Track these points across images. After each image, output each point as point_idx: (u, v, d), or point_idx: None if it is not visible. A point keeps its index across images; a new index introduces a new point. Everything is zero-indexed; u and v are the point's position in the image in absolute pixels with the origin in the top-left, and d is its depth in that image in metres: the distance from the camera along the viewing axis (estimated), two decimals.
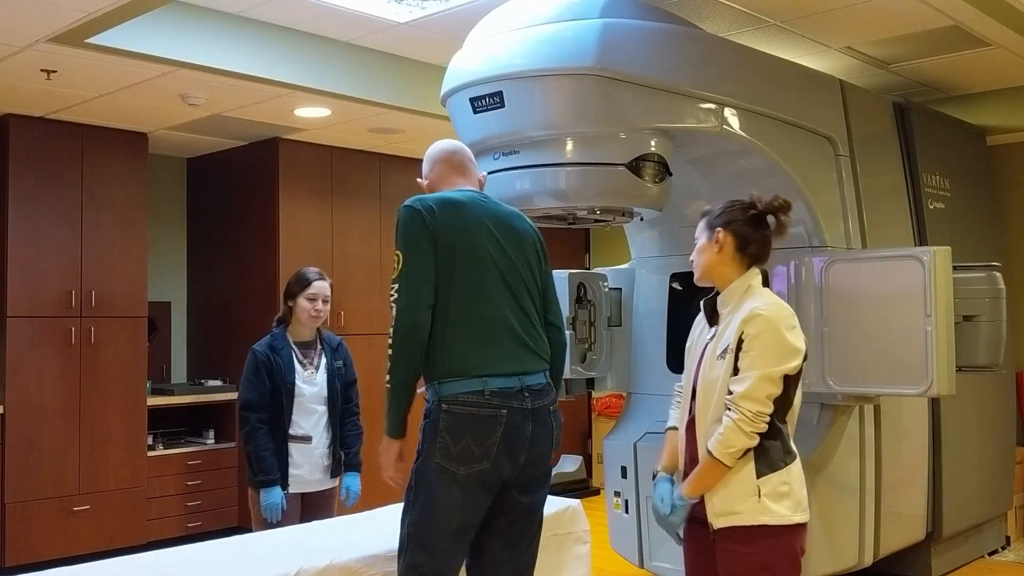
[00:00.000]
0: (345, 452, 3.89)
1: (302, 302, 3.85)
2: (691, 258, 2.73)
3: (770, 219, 2.61)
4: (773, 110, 3.95)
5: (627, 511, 4.32)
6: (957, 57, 4.90)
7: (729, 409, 2.46)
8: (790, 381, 2.51)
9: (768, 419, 2.46)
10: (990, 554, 5.24)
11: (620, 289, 4.63)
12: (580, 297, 4.44)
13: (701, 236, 2.68)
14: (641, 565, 4.35)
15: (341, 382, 3.89)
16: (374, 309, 6.46)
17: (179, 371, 6.56)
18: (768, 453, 2.50)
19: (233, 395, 6.14)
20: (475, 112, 3.54)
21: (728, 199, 2.71)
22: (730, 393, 2.48)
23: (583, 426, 7.90)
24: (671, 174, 3.62)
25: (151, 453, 5.73)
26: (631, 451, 4.31)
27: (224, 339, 6.39)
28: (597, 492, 6.63)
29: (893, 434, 4.28)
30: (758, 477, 2.48)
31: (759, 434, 2.46)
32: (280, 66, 4.66)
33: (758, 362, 2.45)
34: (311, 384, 3.80)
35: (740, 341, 2.49)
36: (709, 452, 2.49)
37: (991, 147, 5.73)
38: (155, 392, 5.92)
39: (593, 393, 7.30)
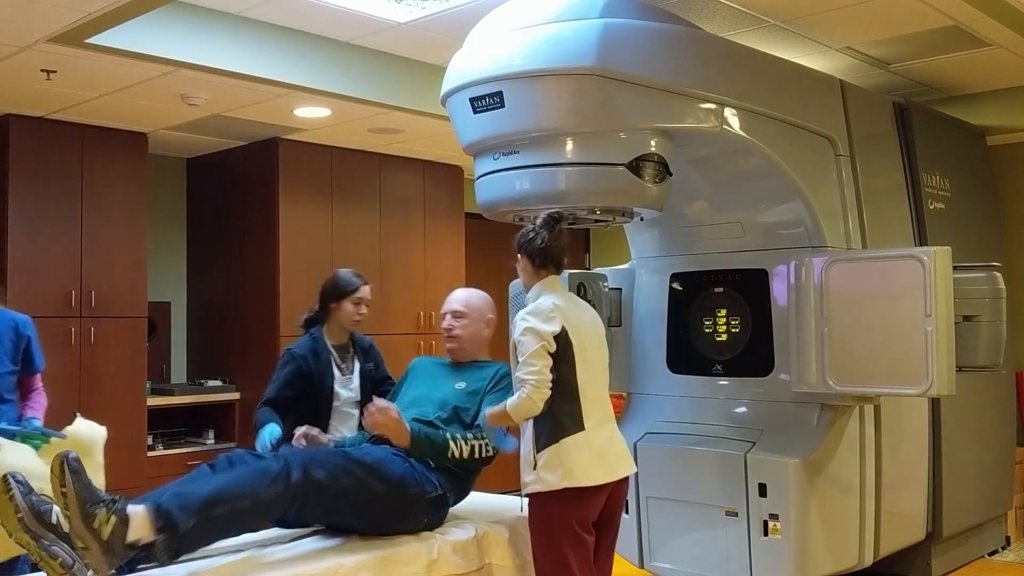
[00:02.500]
0: None
1: (347, 306, 3.82)
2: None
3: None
4: (773, 110, 3.95)
5: (627, 511, 4.32)
6: (957, 57, 4.90)
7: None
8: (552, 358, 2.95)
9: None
10: (990, 554, 5.24)
11: (620, 289, 4.63)
12: (580, 297, 4.44)
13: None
14: (641, 565, 4.35)
15: (371, 382, 3.86)
16: (374, 309, 6.43)
17: (179, 371, 6.55)
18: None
19: (232, 395, 6.15)
20: (475, 112, 3.54)
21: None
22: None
23: None
24: (671, 174, 3.62)
25: (151, 453, 5.72)
26: (631, 451, 4.30)
27: (224, 339, 6.39)
28: None
29: (893, 434, 4.29)
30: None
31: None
32: (280, 66, 4.66)
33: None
34: (347, 388, 3.80)
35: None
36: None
37: (991, 147, 5.73)
38: (155, 392, 5.91)
39: None
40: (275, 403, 3.65)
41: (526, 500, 3.06)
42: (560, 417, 2.93)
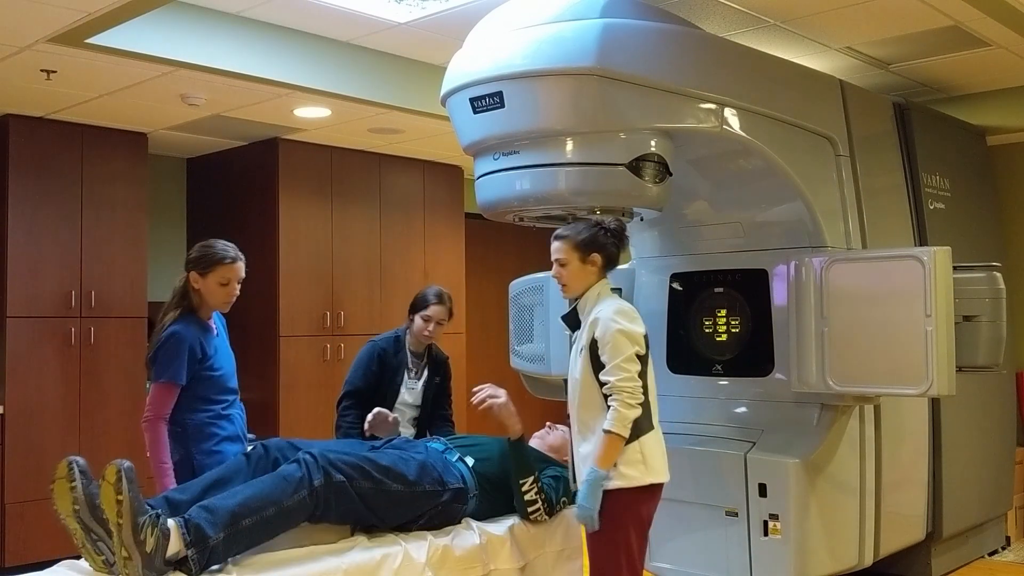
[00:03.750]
0: None
1: (418, 320, 4.09)
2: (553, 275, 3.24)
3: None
4: (773, 110, 3.95)
5: None
6: (957, 57, 4.90)
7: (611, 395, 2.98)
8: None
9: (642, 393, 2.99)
10: (990, 554, 5.24)
11: (620, 289, 4.62)
12: None
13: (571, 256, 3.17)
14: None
15: (433, 392, 4.18)
16: (374, 310, 6.46)
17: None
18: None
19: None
20: (475, 112, 3.54)
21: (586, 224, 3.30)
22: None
23: None
24: (671, 174, 3.62)
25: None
26: None
27: None
28: None
29: (893, 434, 4.29)
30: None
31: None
32: (280, 66, 4.66)
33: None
34: (410, 392, 4.13)
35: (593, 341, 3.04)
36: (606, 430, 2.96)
37: (991, 147, 5.73)
38: None
39: None
40: (356, 394, 4.05)
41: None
42: (641, 415, 3.00)
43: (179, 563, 2.57)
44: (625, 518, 3.00)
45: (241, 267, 3.48)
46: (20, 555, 5.10)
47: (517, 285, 5.00)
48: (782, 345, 4.06)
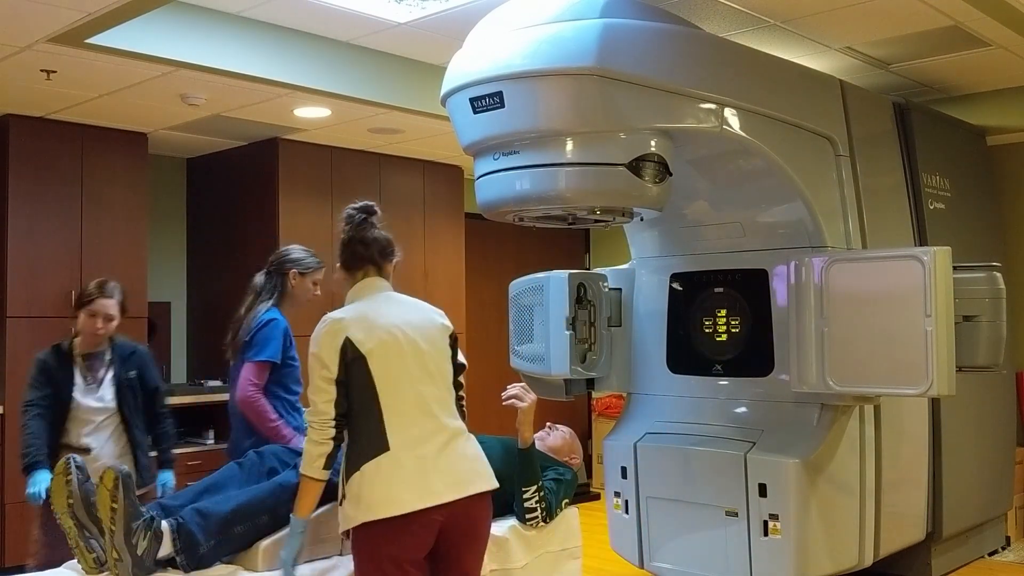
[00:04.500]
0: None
1: (83, 317, 3.80)
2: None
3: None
4: (773, 110, 3.95)
5: (627, 511, 4.32)
6: (957, 57, 4.90)
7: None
8: (340, 385, 2.55)
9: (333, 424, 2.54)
10: (990, 554, 5.24)
11: (620, 289, 4.63)
12: (580, 297, 4.44)
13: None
14: (641, 565, 4.35)
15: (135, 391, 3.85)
16: None
17: (179, 371, 6.55)
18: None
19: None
20: (475, 112, 3.54)
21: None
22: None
23: (583, 427, 7.90)
24: (671, 174, 3.62)
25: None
26: (631, 451, 4.31)
27: (224, 339, 6.38)
28: (597, 497, 6.63)
29: (893, 434, 4.29)
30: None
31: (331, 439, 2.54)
32: (280, 66, 4.66)
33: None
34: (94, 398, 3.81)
35: None
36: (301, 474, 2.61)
37: (991, 147, 5.73)
38: None
39: (593, 393, 7.30)
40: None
41: None
42: (359, 440, 2.54)
43: (171, 561, 2.59)
44: (360, 561, 2.57)
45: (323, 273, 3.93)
46: (20, 555, 5.10)
47: (517, 285, 5.00)
48: (782, 345, 4.06)
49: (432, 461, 2.54)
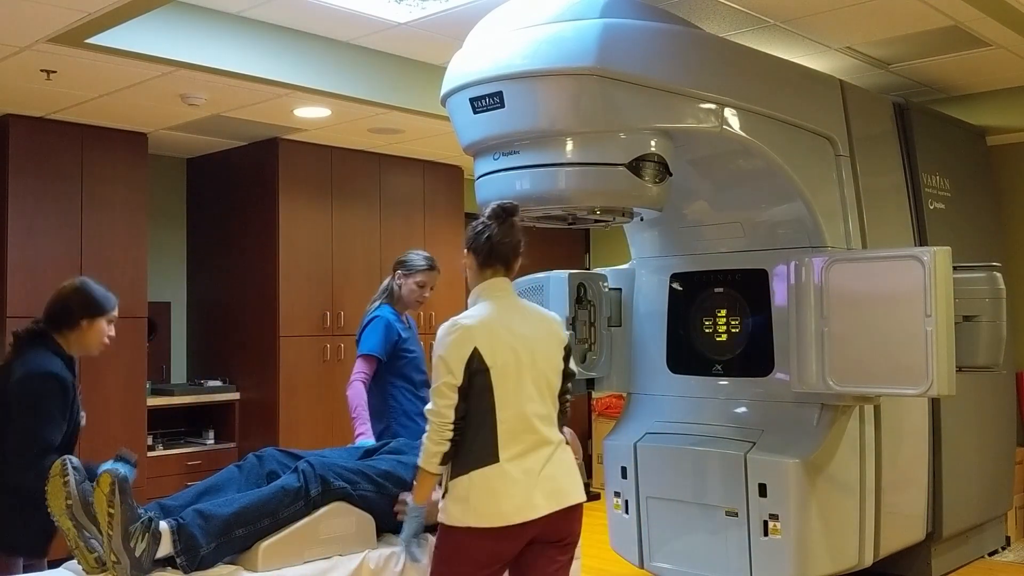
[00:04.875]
0: None
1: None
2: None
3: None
4: (773, 110, 3.95)
5: (627, 511, 4.32)
6: (957, 57, 4.90)
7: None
8: (462, 391, 2.61)
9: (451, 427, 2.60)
10: (990, 554, 5.24)
11: (620, 289, 4.63)
12: (580, 297, 4.44)
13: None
14: (641, 565, 4.35)
15: None
16: None
17: (179, 371, 6.55)
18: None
19: (232, 395, 6.15)
20: (475, 112, 3.54)
21: None
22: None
23: (583, 427, 7.90)
24: (671, 174, 3.62)
25: (151, 453, 5.72)
26: (631, 451, 4.31)
27: (224, 339, 6.39)
28: (597, 497, 6.63)
29: (893, 434, 4.29)
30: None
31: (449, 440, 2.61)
32: (280, 66, 4.66)
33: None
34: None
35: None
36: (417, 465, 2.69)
37: (991, 147, 5.73)
38: (155, 392, 5.91)
39: (593, 393, 7.30)
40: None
41: None
42: (472, 446, 2.61)
43: (170, 560, 2.59)
44: (438, 555, 2.66)
45: (435, 275, 4.15)
46: None
47: (517, 285, 4.99)
48: (782, 345, 4.06)
49: (535, 476, 2.62)
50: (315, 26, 4.64)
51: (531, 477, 2.61)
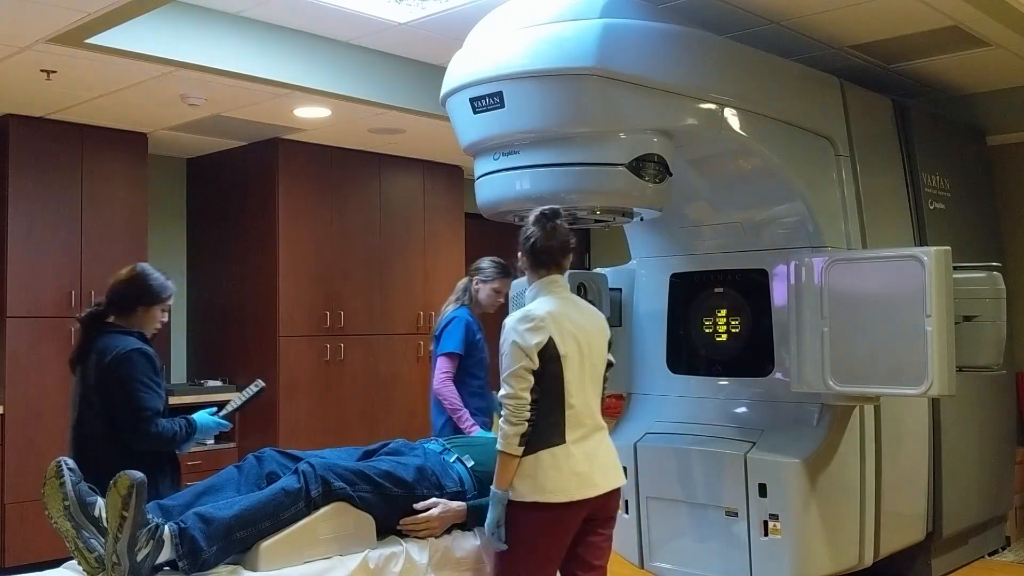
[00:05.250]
0: None
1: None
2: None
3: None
4: (773, 111, 3.95)
5: (627, 511, 4.32)
6: (957, 57, 4.90)
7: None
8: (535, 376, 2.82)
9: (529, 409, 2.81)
10: (990, 554, 5.24)
11: (620, 289, 4.63)
12: (581, 297, 4.43)
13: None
14: (641, 565, 4.35)
15: None
16: (374, 310, 6.46)
17: (179, 371, 6.56)
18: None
19: (232, 395, 6.13)
20: (475, 112, 3.54)
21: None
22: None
23: None
24: (671, 174, 3.62)
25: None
26: (631, 451, 4.31)
27: (224, 339, 6.39)
28: None
29: (893, 434, 4.29)
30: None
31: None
32: (280, 66, 4.66)
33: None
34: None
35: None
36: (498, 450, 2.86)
37: (991, 147, 5.73)
38: None
39: None
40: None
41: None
42: (542, 428, 2.81)
43: (170, 562, 2.59)
44: (512, 531, 2.85)
45: (509, 281, 4.41)
46: (20, 555, 5.10)
47: (517, 285, 4.99)
48: (782, 345, 4.06)
49: (594, 457, 2.89)
50: (315, 26, 4.64)
51: (591, 459, 2.87)
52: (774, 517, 3.87)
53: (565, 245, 2.99)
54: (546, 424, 2.81)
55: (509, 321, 2.88)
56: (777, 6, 4.18)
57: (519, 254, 3.01)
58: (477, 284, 4.48)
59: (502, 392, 2.82)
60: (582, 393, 2.88)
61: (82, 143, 5.51)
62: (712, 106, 3.71)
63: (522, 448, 2.80)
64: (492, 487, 2.88)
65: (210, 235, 6.53)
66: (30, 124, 5.31)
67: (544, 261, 2.96)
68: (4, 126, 5.26)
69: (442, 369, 4.30)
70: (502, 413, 2.82)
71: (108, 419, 3.12)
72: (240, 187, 6.29)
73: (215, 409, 3.51)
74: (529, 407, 2.78)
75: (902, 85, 5.30)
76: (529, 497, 2.79)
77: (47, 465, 4.19)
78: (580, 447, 2.85)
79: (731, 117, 3.76)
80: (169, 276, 3.51)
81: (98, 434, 3.13)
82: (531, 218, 2.97)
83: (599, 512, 2.94)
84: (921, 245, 4.59)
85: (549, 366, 2.81)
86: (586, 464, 2.85)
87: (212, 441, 6.07)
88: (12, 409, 5.19)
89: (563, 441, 2.82)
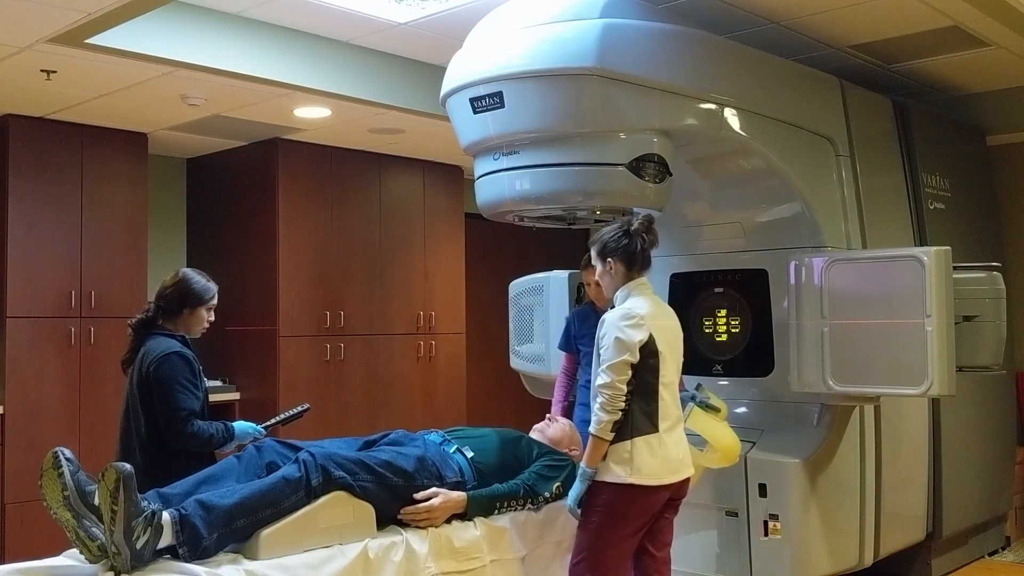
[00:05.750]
0: None
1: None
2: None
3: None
4: (773, 111, 3.95)
5: None
6: (957, 57, 4.90)
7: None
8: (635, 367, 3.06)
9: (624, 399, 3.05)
10: (990, 554, 5.24)
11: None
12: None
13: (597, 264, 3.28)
14: None
15: None
16: (374, 309, 6.46)
17: None
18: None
19: (232, 395, 6.15)
20: (475, 112, 3.54)
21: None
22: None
23: None
24: (671, 174, 3.62)
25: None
26: None
27: (224, 339, 6.38)
28: None
29: (893, 434, 4.29)
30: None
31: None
32: (280, 66, 4.66)
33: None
34: None
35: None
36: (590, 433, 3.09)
37: (991, 147, 5.73)
38: None
39: None
40: None
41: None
42: (637, 417, 3.05)
43: (171, 549, 2.59)
44: (599, 509, 3.08)
45: (592, 270, 4.12)
46: (20, 555, 5.09)
47: (517, 285, 5.01)
48: (782, 345, 4.06)
49: (679, 445, 3.16)
50: (315, 26, 4.64)
51: (678, 446, 3.14)
52: (774, 517, 3.87)
53: (651, 250, 3.29)
54: (642, 413, 3.06)
55: (610, 317, 3.11)
56: (777, 6, 4.18)
57: (609, 259, 3.19)
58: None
59: (600, 381, 3.03)
60: (672, 387, 3.17)
61: (82, 143, 5.50)
62: (712, 106, 3.71)
63: (613, 435, 3.03)
64: (581, 465, 3.09)
65: (210, 235, 6.53)
66: (30, 124, 5.31)
67: (640, 264, 3.21)
68: (4, 126, 5.26)
69: (560, 364, 4.36)
70: (598, 400, 3.03)
71: (150, 419, 3.26)
72: (240, 187, 6.29)
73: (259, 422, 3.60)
74: (624, 398, 3.02)
75: (902, 85, 5.30)
76: (626, 479, 3.03)
77: None
78: (670, 436, 3.12)
79: (731, 117, 3.76)
80: (211, 278, 3.65)
81: (143, 433, 3.27)
82: (635, 225, 3.20)
83: (675, 495, 3.20)
84: (921, 245, 4.59)
85: (648, 360, 3.06)
86: (675, 451, 3.12)
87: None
88: (12, 409, 5.19)
89: (656, 430, 3.08)
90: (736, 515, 3.98)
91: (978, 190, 5.46)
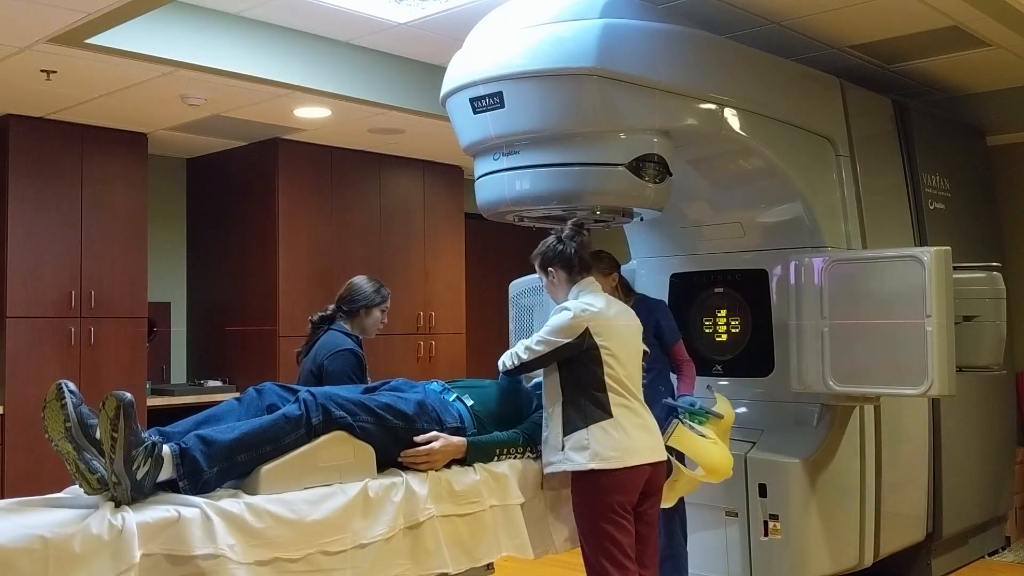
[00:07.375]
0: None
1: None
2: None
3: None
4: (773, 111, 3.95)
5: None
6: (957, 57, 4.90)
7: None
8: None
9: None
10: (990, 554, 5.24)
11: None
12: None
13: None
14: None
15: None
16: None
17: (179, 371, 6.55)
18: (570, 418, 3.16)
19: (232, 395, 6.13)
20: (475, 112, 3.54)
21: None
22: None
23: None
24: (671, 174, 3.62)
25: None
26: None
27: (224, 339, 6.39)
28: None
29: (893, 434, 4.29)
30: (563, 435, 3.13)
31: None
32: (280, 66, 4.66)
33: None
34: None
35: None
36: None
37: (991, 147, 5.73)
38: (155, 393, 5.91)
39: None
40: None
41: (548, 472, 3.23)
42: (587, 406, 3.10)
43: (171, 483, 2.59)
44: (579, 502, 3.13)
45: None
46: None
47: (517, 286, 5.01)
48: (782, 345, 4.06)
49: (643, 429, 3.17)
50: (315, 26, 4.64)
51: (639, 431, 3.15)
52: (774, 517, 3.87)
53: (589, 252, 3.36)
54: (591, 402, 3.11)
55: (557, 308, 3.20)
56: (777, 6, 4.18)
57: (549, 268, 3.26)
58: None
59: (524, 343, 3.15)
60: (631, 379, 3.19)
61: (82, 143, 5.51)
62: (712, 106, 3.71)
63: (512, 367, 3.19)
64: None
65: (210, 235, 6.53)
66: (30, 124, 5.31)
67: (579, 266, 3.26)
68: (4, 126, 5.26)
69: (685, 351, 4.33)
70: (519, 352, 3.15)
71: None
72: (240, 187, 6.29)
73: None
74: (523, 368, 3.19)
75: (902, 85, 5.30)
76: (587, 465, 3.05)
77: (47, 465, 4.19)
78: (628, 421, 3.13)
79: (731, 117, 3.76)
80: (384, 283, 3.93)
81: None
82: (565, 232, 3.27)
83: (649, 485, 3.18)
84: (921, 245, 4.59)
85: (590, 351, 3.10)
86: (635, 434, 3.13)
87: None
88: (12, 409, 5.19)
89: (610, 416, 3.10)
90: (736, 515, 3.98)
91: (978, 190, 5.46)
